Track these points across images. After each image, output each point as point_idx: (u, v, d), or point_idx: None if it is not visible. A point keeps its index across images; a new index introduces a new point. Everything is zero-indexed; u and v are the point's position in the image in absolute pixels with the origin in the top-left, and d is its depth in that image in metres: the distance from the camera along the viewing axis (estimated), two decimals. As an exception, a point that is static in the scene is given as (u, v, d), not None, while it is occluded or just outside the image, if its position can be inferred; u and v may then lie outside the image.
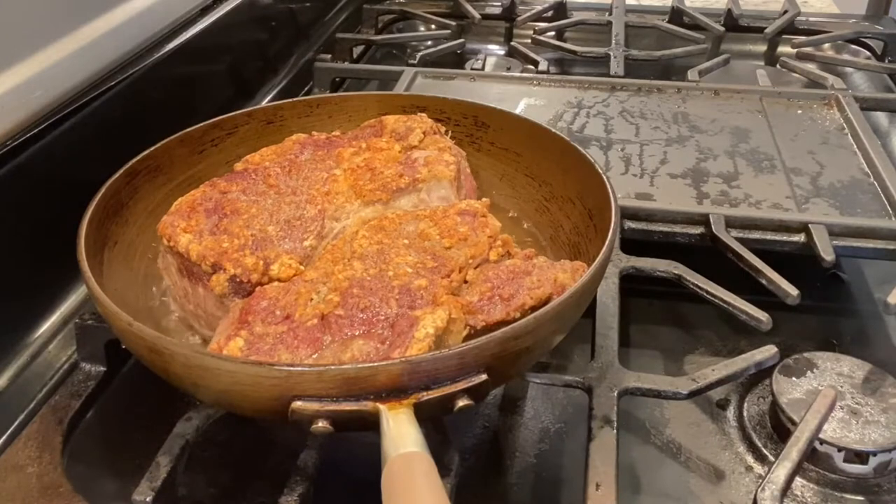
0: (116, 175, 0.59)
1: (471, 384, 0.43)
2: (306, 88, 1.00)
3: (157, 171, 0.63)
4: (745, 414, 0.58)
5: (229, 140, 0.67)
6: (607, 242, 0.51)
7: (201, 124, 0.66)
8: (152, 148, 0.62)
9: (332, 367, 0.43)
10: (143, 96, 0.78)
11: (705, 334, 0.67)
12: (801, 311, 0.63)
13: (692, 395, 0.52)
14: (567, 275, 0.50)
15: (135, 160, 0.61)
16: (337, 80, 1.01)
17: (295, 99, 0.72)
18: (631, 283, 0.65)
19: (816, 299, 0.70)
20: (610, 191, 0.56)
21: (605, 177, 0.57)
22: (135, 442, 0.54)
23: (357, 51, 1.12)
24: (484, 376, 0.43)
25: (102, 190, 0.57)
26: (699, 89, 0.92)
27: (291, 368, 0.43)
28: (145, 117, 0.77)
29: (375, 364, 0.42)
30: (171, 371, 0.46)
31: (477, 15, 1.18)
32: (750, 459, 0.55)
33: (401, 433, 0.41)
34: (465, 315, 0.48)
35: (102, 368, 0.59)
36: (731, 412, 0.59)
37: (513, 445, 0.56)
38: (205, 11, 0.92)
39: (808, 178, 0.75)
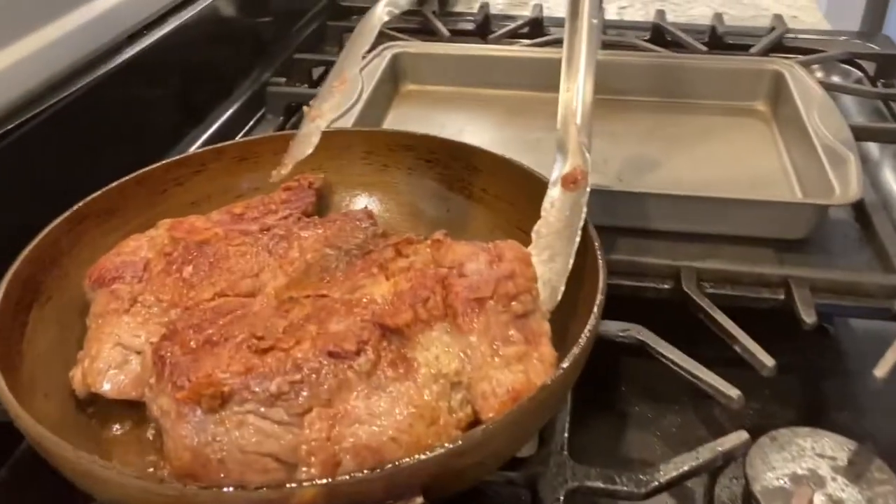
0: (57, 221, 0.53)
1: (401, 508, 0.37)
2: (257, 115, 0.93)
3: (109, 214, 0.57)
4: (715, 499, 0.52)
5: (196, 178, 0.61)
6: (584, 339, 0.43)
7: (163, 162, 0.60)
8: (104, 189, 0.56)
9: (233, 490, 0.37)
10: (81, 118, 0.70)
11: (675, 398, 0.61)
12: (781, 370, 0.56)
13: (650, 494, 0.46)
14: (524, 377, 0.43)
15: (82, 203, 0.55)
16: (293, 104, 0.94)
17: (272, 134, 0.66)
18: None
19: (798, 356, 0.64)
20: (601, 269, 0.48)
21: (599, 254, 0.50)
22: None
23: (318, 72, 1.05)
24: (419, 499, 0.38)
25: (37, 240, 0.51)
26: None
27: (184, 488, 0.37)
28: (84, 141, 0.70)
29: (284, 487, 0.36)
30: (63, 473, 0.41)
31: (446, 32, 1.12)
32: (720, 554, 0.49)
33: None
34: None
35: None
36: (699, 496, 0.53)
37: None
38: (150, 27, 0.84)
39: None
